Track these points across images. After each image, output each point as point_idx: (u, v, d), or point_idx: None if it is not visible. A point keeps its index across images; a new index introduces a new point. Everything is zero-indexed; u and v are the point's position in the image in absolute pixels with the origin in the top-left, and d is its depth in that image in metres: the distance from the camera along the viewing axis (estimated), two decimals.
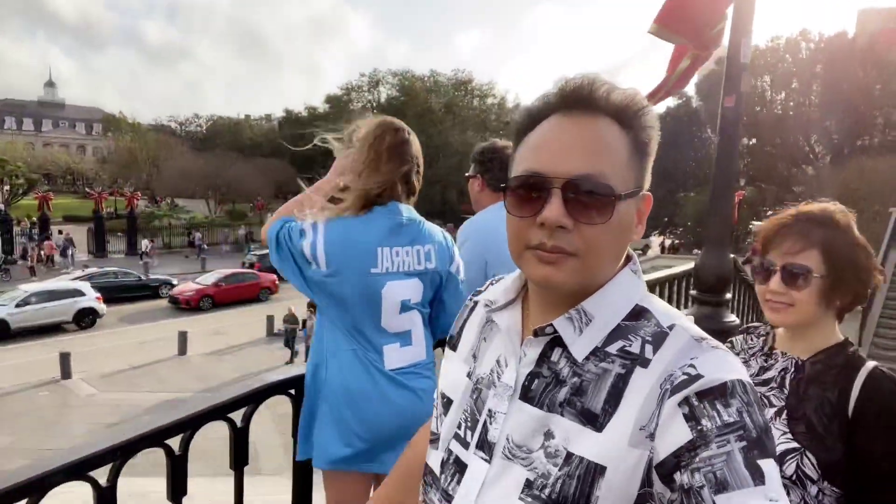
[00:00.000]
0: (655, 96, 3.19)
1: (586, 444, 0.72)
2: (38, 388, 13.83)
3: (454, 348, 0.98)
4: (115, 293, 21.78)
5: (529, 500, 0.73)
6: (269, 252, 1.70)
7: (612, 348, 0.76)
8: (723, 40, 3.14)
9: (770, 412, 1.26)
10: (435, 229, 1.78)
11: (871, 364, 1.24)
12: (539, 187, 0.74)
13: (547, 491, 0.72)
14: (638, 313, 0.78)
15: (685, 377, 0.69)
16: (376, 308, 1.61)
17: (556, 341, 0.78)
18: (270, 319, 18.57)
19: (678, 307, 3.76)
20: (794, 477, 1.18)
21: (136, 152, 52.98)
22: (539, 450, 0.75)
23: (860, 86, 32.80)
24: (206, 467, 10.39)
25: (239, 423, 1.62)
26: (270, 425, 12.02)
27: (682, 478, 0.65)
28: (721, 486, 0.63)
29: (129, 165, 53.56)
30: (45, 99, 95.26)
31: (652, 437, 0.69)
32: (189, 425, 1.44)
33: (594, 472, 0.70)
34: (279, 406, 1.90)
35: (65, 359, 14.38)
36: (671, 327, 0.76)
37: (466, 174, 2.33)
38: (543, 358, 0.79)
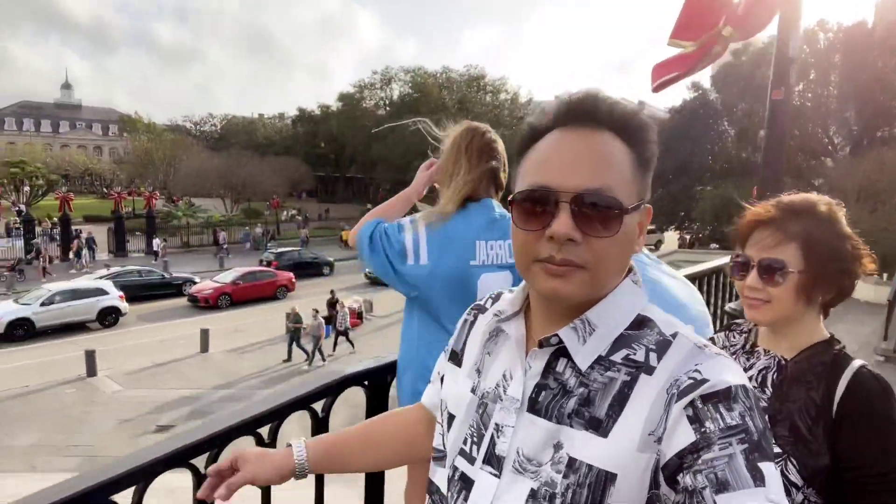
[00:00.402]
0: (662, 82, 3.19)
1: (591, 450, 0.73)
2: (64, 385, 14.08)
3: (459, 364, 0.97)
4: (139, 291, 22.10)
5: None
6: (358, 252, 1.78)
7: (617, 357, 0.77)
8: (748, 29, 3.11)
9: None
10: None
11: (857, 363, 1.16)
12: (547, 201, 0.75)
13: (557, 500, 0.73)
14: (640, 322, 0.80)
15: (691, 381, 0.71)
16: (471, 299, 1.67)
17: (561, 352, 0.79)
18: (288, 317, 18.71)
19: (720, 300, 3.76)
20: None
21: (152, 152, 53.51)
22: (548, 462, 0.76)
23: (879, 76, 32.27)
24: None
25: (320, 413, 1.67)
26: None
27: (685, 479, 0.67)
28: (722, 487, 0.64)
29: (146, 165, 54.11)
30: (62, 101, 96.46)
31: (659, 440, 0.70)
32: (276, 416, 1.49)
33: (605, 479, 0.71)
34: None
35: (90, 356, 14.61)
36: (674, 335, 0.78)
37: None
38: (549, 369, 0.80)
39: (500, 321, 0.89)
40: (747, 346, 1.30)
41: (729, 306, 3.41)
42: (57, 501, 1.04)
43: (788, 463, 1.12)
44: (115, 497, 1.17)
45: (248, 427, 1.42)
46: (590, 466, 0.72)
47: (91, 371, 14.51)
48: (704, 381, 0.70)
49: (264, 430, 1.47)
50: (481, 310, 0.99)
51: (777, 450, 1.11)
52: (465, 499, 0.82)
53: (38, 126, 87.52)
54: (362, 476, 1.19)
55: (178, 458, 1.25)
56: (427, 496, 0.93)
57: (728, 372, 0.72)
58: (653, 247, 36.21)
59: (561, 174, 0.74)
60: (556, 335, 0.78)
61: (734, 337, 1.35)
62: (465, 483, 0.83)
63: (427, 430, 1.08)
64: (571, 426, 0.75)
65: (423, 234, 1.68)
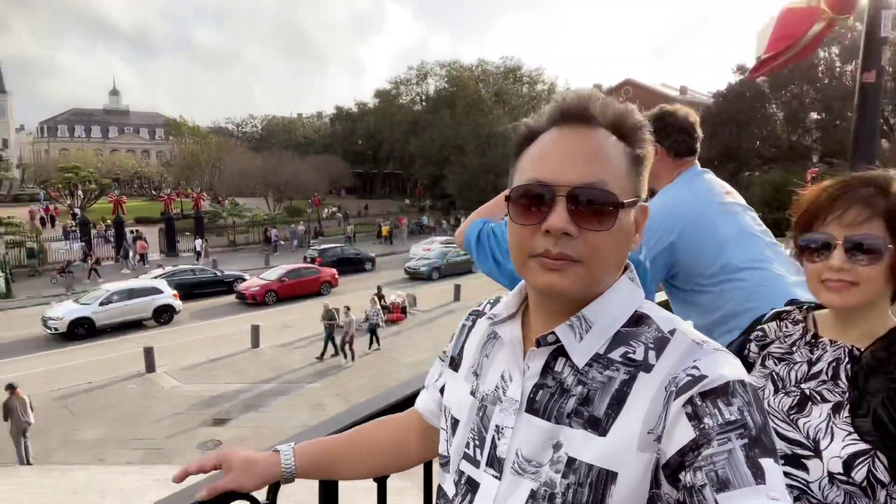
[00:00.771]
0: (763, 69, 3.05)
1: (590, 449, 0.73)
2: (126, 381, 14.64)
3: (456, 368, 0.98)
4: (192, 289, 22.75)
5: None
6: (467, 252, 1.77)
7: (615, 354, 0.77)
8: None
9: (824, 409, 1.10)
10: None
11: None
12: (543, 196, 0.75)
13: (558, 500, 0.73)
14: (638, 319, 0.80)
15: (689, 378, 0.71)
16: None
17: (559, 351, 0.79)
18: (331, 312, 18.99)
19: None
20: (863, 483, 1.02)
21: (198, 154, 55.05)
22: (547, 463, 0.76)
23: None
24: None
25: None
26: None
27: (686, 477, 0.67)
28: (723, 485, 0.64)
29: (192, 167, 55.73)
30: (111, 107, 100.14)
31: (659, 439, 0.70)
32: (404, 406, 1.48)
33: (606, 478, 0.71)
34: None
35: (148, 353, 15.15)
36: (672, 332, 0.77)
37: None
38: (547, 369, 0.80)
39: (493, 324, 0.89)
40: (807, 337, 1.19)
41: None
42: None
43: (875, 460, 1.03)
44: None
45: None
46: (590, 466, 0.72)
47: (150, 367, 15.04)
48: (702, 377, 0.70)
49: None
50: (479, 315, 0.99)
51: (864, 446, 1.03)
52: (471, 502, 0.83)
53: (88, 132, 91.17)
54: (420, 466, 1.17)
55: None
56: (435, 501, 0.93)
57: (726, 367, 0.72)
58: None
59: (556, 169, 0.75)
60: (553, 333, 0.78)
61: (787, 327, 1.25)
62: (471, 486, 0.84)
63: (418, 437, 1.08)
64: (570, 426, 0.75)
65: None
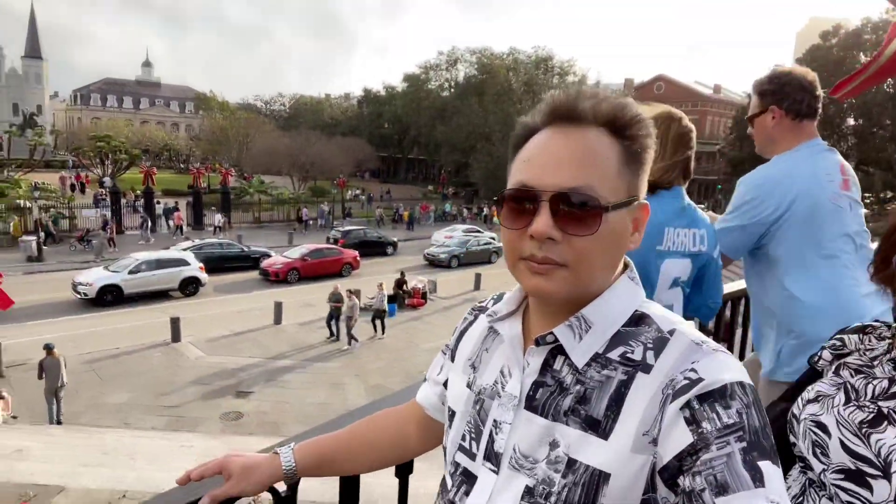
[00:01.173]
0: (847, 86, 2.93)
1: (591, 451, 0.73)
2: (152, 349, 14.99)
3: (452, 359, 0.99)
4: (218, 263, 23.09)
5: None
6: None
7: (614, 354, 0.77)
8: None
9: None
10: (704, 215, 1.84)
11: None
12: (529, 200, 0.75)
13: (552, 499, 0.73)
14: (638, 319, 0.80)
15: (687, 381, 0.70)
16: (653, 282, 1.71)
17: (559, 349, 0.79)
18: (356, 294, 19.15)
19: None
20: None
21: (227, 130, 55.55)
22: (544, 459, 0.76)
23: None
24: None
25: None
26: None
27: (684, 481, 0.67)
28: (722, 489, 0.64)
29: (220, 142, 56.28)
30: (143, 78, 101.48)
31: (655, 442, 0.70)
32: None
33: (599, 479, 0.71)
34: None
35: (175, 323, 15.48)
36: (672, 332, 0.77)
37: (749, 115, 2.11)
38: (546, 367, 0.80)
39: (493, 321, 0.90)
40: (893, 353, 1.14)
41: None
42: None
43: None
44: None
45: None
46: (587, 466, 0.72)
47: (176, 337, 15.39)
48: (700, 380, 0.70)
49: None
50: (482, 310, 1.00)
51: None
52: (467, 493, 0.84)
53: (120, 102, 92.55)
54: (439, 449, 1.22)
55: None
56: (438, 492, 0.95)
57: (725, 369, 0.71)
58: None
59: (542, 173, 0.75)
60: (552, 333, 0.78)
61: (870, 341, 1.20)
62: (468, 478, 0.85)
63: (418, 429, 1.09)
64: (567, 424, 0.76)
65: None
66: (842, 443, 1.07)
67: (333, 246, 26.56)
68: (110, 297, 18.66)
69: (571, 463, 0.73)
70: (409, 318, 18.68)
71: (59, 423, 10.95)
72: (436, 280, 22.42)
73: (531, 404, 0.79)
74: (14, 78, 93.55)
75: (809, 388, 1.17)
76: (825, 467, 1.08)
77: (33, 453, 8.40)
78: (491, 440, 0.82)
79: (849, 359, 1.21)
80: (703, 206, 1.96)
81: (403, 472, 1.34)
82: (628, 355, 0.76)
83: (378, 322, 16.77)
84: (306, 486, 1.15)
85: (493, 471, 0.81)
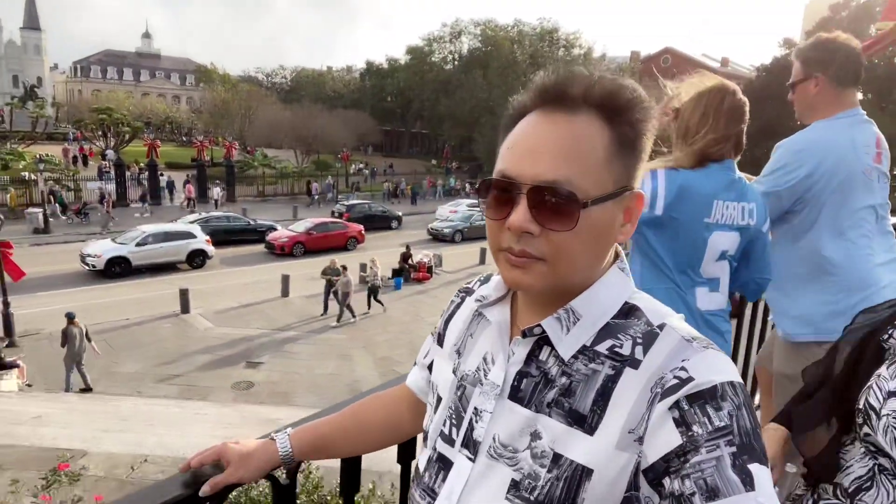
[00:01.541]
0: (874, 47, 2.96)
1: (576, 446, 0.72)
2: (161, 320, 15.16)
3: (440, 344, 0.97)
4: (225, 236, 23.19)
5: (517, 501, 0.74)
6: None
7: (602, 347, 0.75)
8: None
9: None
10: (753, 187, 1.85)
11: None
12: (509, 190, 0.73)
13: (536, 493, 0.72)
14: (628, 311, 0.78)
15: (676, 381, 0.69)
16: (700, 254, 1.73)
17: (545, 340, 0.78)
18: (362, 268, 19.28)
19: None
20: None
21: (229, 103, 55.14)
22: (525, 450, 0.75)
23: None
24: (320, 400, 11.18)
25: None
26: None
27: (672, 484, 0.65)
28: (712, 494, 0.62)
29: (222, 115, 55.91)
30: (143, 50, 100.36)
31: (640, 440, 0.69)
32: None
33: (581, 474, 0.70)
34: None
35: (184, 295, 15.63)
36: (661, 326, 0.75)
37: (791, 81, 2.11)
38: (532, 357, 0.79)
39: (482, 306, 0.88)
40: None
41: None
42: None
43: None
44: None
45: None
46: (571, 461, 0.71)
47: (185, 308, 15.55)
48: (690, 379, 0.68)
49: None
50: (469, 292, 0.98)
51: None
52: (444, 479, 0.83)
53: (120, 74, 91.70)
54: None
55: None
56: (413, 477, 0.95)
57: (715, 368, 0.69)
58: None
59: (522, 163, 0.72)
60: (540, 325, 0.77)
61: None
62: (444, 464, 0.84)
63: (411, 411, 1.09)
64: (550, 415, 0.74)
65: (661, 184, 1.69)
66: None
67: (338, 220, 26.60)
68: (118, 268, 18.80)
69: (557, 458, 0.72)
70: (415, 292, 18.81)
71: (89, 389, 11.15)
72: (440, 255, 22.52)
73: (515, 395, 0.78)
74: (13, 49, 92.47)
75: (887, 375, 1.15)
76: None
77: (53, 419, 8.60)
78: (470, 427, 0.81)
79: None
80: None
81: (406, 458, 1.34)
82: (616, 349, 0.74)
83: (373, 298, 16.53)
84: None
85: (470, 458, 0.80)
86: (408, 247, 20.87)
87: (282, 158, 44.89)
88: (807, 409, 1.30)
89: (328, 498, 3.74)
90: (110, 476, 5.81)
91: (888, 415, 1.10)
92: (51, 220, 25.26)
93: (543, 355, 0.78)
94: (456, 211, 30.22)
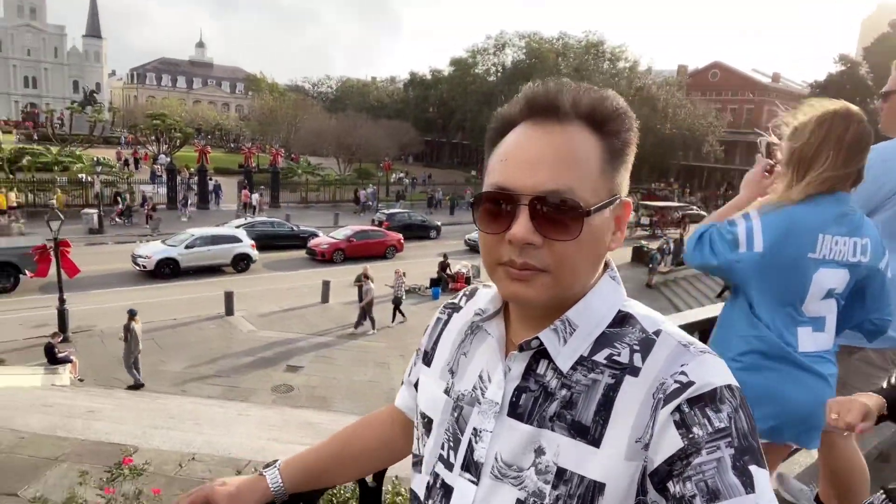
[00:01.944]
0: None
1: (582, 459, 0.71)
2: (207, 321, 15.57)
3: (428, 364, 0.94)
4: (269, 241, 23.70)
5: None
6: (685, 253, 1.78)
7: (600, 357, 0.75)
8: None
9: None
10: (870, 222, 1.73)
11: None
12: (506, 203, 0.72)
13: None
14: (622, 319, 0.78)
15: (677, 385, 0.69)
16: (803, 291, 1.63)
17: (542, 353, 0.77)
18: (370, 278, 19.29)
19: None
20: None
21: (276, 111, 56.55)
22: (530, 468, 0.73)
23: None
24: (357, 407, 11.23)
25: None
26: None
27: (675, 487, 0.65)
28: (713, 496, 0.63)
29: (269, 123, 57.37)
30: (196, 59, 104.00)
31: (646, 447, 0.69)
32: None
33: (594, 490, 0.69)
34: None
35: (229, 297, 16.04)
36: (657, 333, 0.75)
37: (885, 90, 2.04)
38: (529, 371, 0.77)
39: (482, 320, 0.85)
40: None
41: None
42: None
43: None
44: None
45: None
46: (581, 477, 0.70)
47: (229, 310, 15.95)
48: (690, 383, 0.69)
49: None
50: (456, 308, 0.96)
51: None
52: None
53: (174, 82, 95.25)
54: None
55: None
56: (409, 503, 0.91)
57: (713, 372, 0.70)
58: None
59: (520, 174, 0.71)
60: (537, 338, 0.76)
61: None
62: (445, 490, 0.81)
63: (403, 431, 1.06)
64: (553, 429, 0.73)
65: (757, 222, 1.61)
66: None
67: (378, 228, 26.89)
68: (168, 269, 19.42)
69: (561, 472, 0.71)
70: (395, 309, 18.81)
71: (141, 385, 11.53)
72: (478, 265, 22.50)
73: (515, 411, 0.77)
74: (75, 56, 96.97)
75: None
76: None
77: (105, 414, 8.92)
78: (470, 449, 0.79)
79: None
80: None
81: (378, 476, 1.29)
82: (615, 358, 0.74)
83: (396, 310, 16.47)
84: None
85: (473, 481, 0.78)
86: (445, 256, 20.95)
87: (325, 166, 45.71)
88: None
89: None
90: (159, 472, 6.00)
91: None
92: (118, 220, 26.31)
93: (541, 369, 0.77)
94: None
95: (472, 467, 0.78)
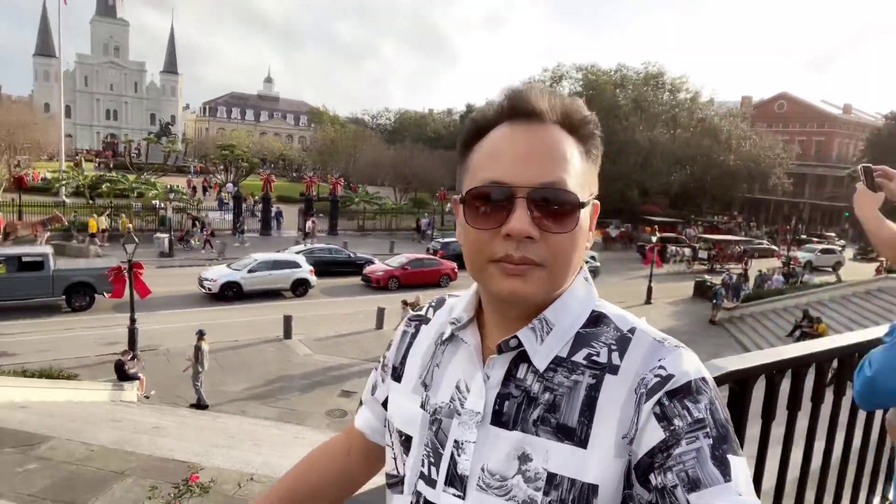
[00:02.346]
0: None
1: (571, 462, 0.70)
2: (266, 344, 15.98)
3: (399, 380, 0.90)
4: (326, 267, 24.26)
5: None
6: (858, 396, 1.53)
7: (579, 357, 0.74)
8: None
9: None
10: None
11: None
12: (502, 197, 0.71)
13: None
14: (596, 319, 0.78)
15: (658, 379, 0.70)
16: None
17: (520, 357, 0.76)
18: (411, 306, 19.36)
19: None
20: None
21: (337, 142, 58.47)
22: (516, 475, 0.71)
23: None
24: None
25: None
26: None
27: (657, 478, 0.66)
28: (693, 485, 0.64)
29: (330, 154, 59.31)
30: (264, 93, 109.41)
31: (632, 441, 0.69)
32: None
33: (588, 492, 0.69)
34: None
35: (287, 321, 16.42)
36: (632, 331, 0.76)
37: None
38: (509, 377, 0.76)
39: (457, 329, 0.82)
40: None
41: None
42: None
43: None
44: None
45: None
46: (572, 481, 0.69)
47: (287, 334, 16.32)
48: (670, 377, 0.69)
49: None
50: (423, 320, 0.93)
51: None
52: None
53: (243, 115, 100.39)
54: None
55: None
56: None
57: (688, 365, 0.71)
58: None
59: (514, 169, 0.71)
60: (516, 337, 0.75)
61: None
62: None
63: (361, 458, 1.01)
64: (537, 434, 0.71)
65: None
66: None
67: (433, 256, 27.07)
68: (231, 292, 20.09)
69: (552, 478, 0.70)
70: None
71: (206, 406, 11.87)
72: None
73: (499, 419, 0.74)
74: (153, 90, 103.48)
75: None
76: None
77: (169, 431, 9.19)
78: (453, 463, 0.76)
79: None
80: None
81: None
82: (594, 357, 0.74)
83: None
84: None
85: (459, 496, 0.75)
86: None
87: (382, 195, 46.69)
88: None
89: None
90: (219, 491, 6.08)
91: None
92: (192, 244, 27.73)
93: (521, 373, 0.76)
94: None
95: (456, 481, 0.76)
